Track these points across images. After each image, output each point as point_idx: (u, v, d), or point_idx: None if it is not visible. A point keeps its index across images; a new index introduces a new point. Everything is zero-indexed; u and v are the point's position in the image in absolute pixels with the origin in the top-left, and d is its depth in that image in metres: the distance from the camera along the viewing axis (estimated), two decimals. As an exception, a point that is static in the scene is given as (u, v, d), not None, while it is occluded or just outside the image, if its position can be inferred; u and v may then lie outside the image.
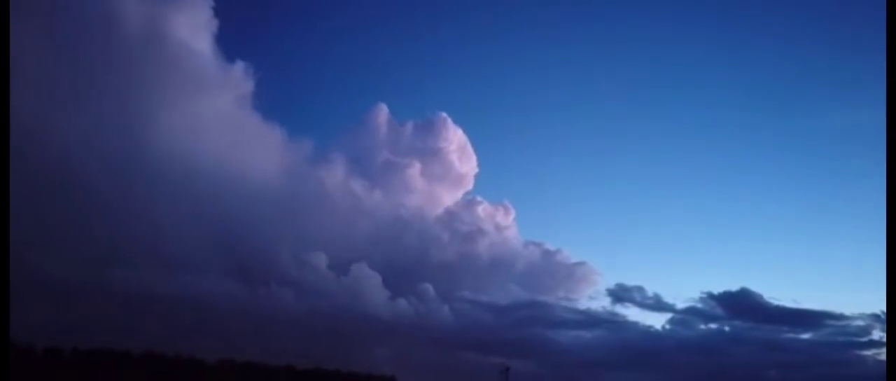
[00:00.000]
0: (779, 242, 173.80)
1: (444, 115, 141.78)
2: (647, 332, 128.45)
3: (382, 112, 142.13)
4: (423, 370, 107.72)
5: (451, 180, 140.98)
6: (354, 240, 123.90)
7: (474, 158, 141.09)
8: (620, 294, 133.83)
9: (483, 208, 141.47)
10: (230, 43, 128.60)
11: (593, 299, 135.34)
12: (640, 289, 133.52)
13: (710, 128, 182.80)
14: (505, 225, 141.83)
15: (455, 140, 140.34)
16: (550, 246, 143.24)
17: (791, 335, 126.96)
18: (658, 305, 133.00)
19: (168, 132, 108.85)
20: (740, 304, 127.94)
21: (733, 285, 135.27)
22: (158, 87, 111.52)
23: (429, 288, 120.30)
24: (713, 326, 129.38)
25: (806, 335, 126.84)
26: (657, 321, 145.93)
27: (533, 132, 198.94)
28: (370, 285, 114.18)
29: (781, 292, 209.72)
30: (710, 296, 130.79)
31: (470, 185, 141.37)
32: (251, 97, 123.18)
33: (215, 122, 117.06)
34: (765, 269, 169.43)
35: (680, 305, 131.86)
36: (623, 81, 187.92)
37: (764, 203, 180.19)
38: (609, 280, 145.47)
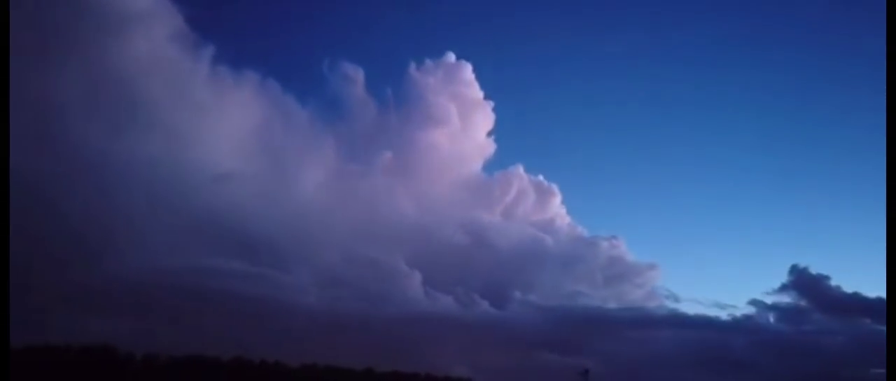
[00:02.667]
0: (840, 229, 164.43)
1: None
2: (724, 330, 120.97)
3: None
4: (498, 372, 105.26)
5: (468, 148, 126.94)
6: (379, 234, 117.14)
7: (491, 117, 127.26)
8: (679, 291, 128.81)
9: (518, 184, 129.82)
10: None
11: (653, 295, 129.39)
12: (699, 285, 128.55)
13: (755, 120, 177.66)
14: (548, 207, 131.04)
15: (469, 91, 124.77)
16: (598, 233, 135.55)
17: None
18: (720, 303, 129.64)
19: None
20: (815, 294, 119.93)
21: (801, 276, 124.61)
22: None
23: (475, 285, 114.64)
24: (793, 321, 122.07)
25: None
26: (728, 317, 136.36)
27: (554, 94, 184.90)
28: (410, 284, 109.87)
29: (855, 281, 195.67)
30: (782, 288, 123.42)
31: (489, 151, 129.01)
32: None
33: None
34: (829, 258, 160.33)
35: (746, 300, 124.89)
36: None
37: (824, 188, 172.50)
38: (663, 275, 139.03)
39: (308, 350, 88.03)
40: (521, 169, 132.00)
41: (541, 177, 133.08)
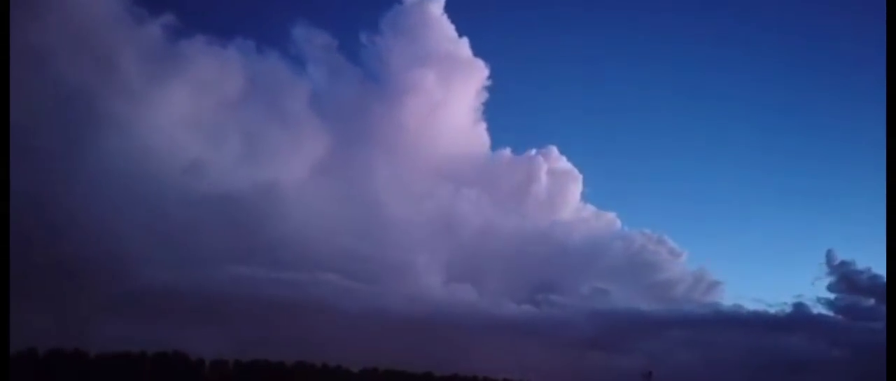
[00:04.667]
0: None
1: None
2: (778, 328, 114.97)
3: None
4: (555, 375, 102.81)
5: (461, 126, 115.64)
6: (386, 230, 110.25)
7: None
8: (722, 288, 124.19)
9: (528, 169, 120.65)
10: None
11: (696, 293, 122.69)
12: (740, 282, 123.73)
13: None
14: (569, 194, 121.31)
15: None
16: (623, 225, 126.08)
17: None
18: (765, 300, 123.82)
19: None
20: (864, 287, 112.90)
21: (843, 269, 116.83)
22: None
23: (493, 282, 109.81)
24: (853, 315, 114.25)
25: None
26: (779, 313, 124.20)
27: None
28: (430, 281, 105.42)
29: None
30: (830, 282, 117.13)
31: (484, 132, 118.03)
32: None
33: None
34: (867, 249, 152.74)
35: (793, 296, 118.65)
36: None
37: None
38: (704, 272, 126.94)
39: (340, 352, 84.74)
40: (511, 151, 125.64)
41: (563, 161, 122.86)
